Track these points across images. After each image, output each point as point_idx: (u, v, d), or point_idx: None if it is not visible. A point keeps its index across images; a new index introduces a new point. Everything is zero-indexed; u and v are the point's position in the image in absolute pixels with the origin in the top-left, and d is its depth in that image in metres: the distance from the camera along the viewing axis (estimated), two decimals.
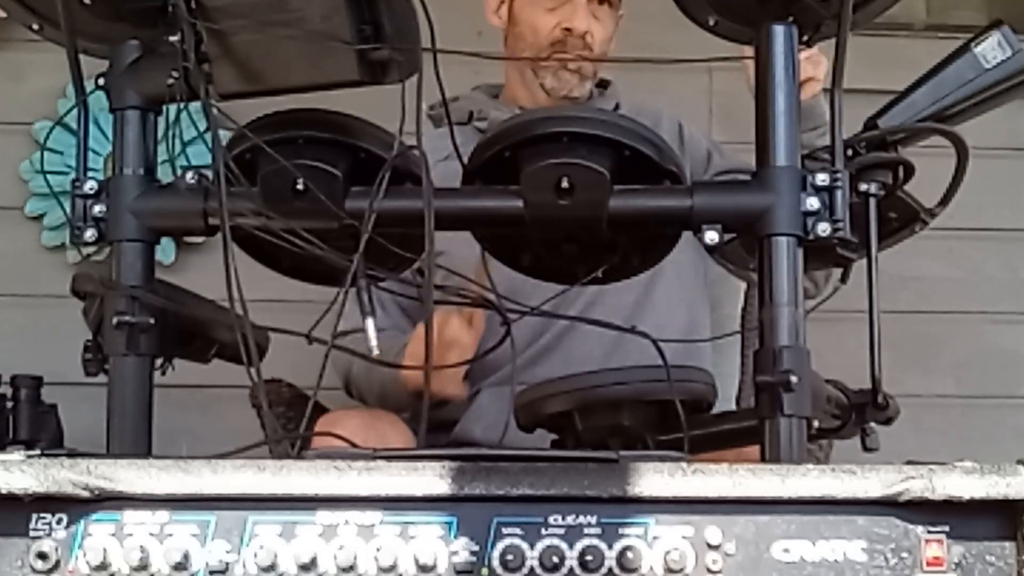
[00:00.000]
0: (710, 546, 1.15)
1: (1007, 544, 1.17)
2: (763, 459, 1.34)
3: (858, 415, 1.52)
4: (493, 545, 1.15)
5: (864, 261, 1.47)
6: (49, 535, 1.15)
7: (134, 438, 1.42)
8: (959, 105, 1.49)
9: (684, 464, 1.17)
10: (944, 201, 1.53)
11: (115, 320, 1.41)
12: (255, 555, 1.15)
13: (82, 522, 1.15)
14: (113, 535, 1.15)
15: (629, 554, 1.14)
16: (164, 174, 1.45)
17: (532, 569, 1.14)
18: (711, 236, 1.38)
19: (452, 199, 1.44)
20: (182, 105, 1.41)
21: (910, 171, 1.50)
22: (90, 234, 1.45)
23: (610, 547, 1.15)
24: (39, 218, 2.92)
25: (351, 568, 1.14)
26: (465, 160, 1.46)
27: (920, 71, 1.51)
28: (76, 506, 1.15)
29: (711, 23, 1.48)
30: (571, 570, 1.14)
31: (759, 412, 1.36)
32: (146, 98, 1.45)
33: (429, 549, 1.14)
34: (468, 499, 1.15)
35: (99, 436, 1.42)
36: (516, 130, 1.42)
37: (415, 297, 1.71)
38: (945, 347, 3.06)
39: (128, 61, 1.45)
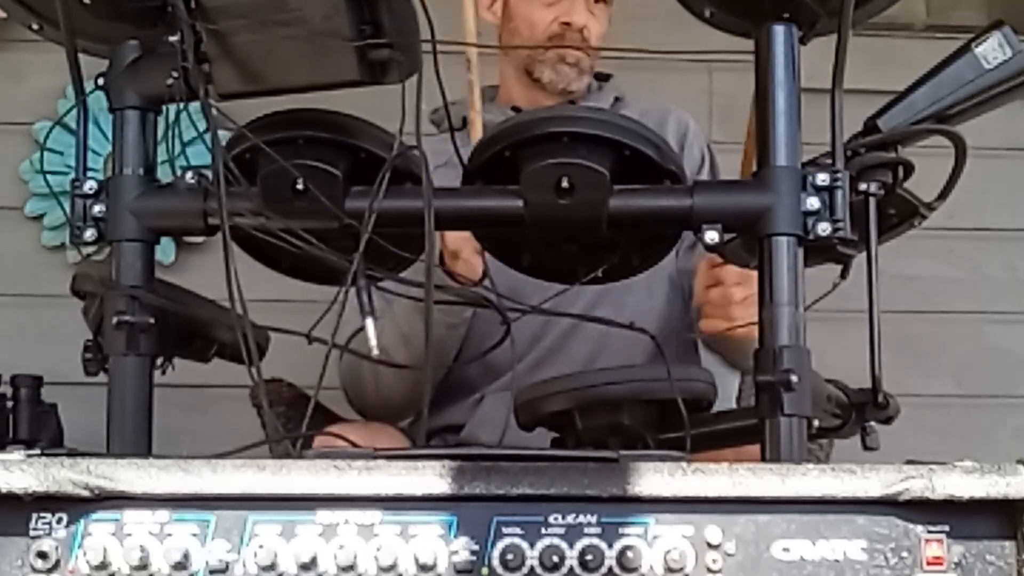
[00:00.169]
0: (710, 546, 1.15)
1: (1007, 544, 1.17)
2: (763, 459, 1.34)
3: (858, 415, 1.52)
4: (493, 544, 1.15)
5: (864, 261, 1.47)
6: (49, 535, 1.15)
7: (134, 438, 1.42)
8: (959, 106, 1.49)
9: (684, 464, 1.17)
10: (942, 195, 1.53)
11: (115, 320, 1.41)
12: (255, 555, 1.15)
13: (82, 522, 1.15)
14: (113, 535, 1.15)
15: (629, 553, 1.14)
16: (164, 174, 1.45)
17: (532, 569, 1.14)
18: (711, 236, 1.38)
19: (452, 199, 1.44)
20: (182, 105, 1.41)
21: (910, 170, 1.50)
22: (90, 234, 1.45)
23: (610, 546, 1.15)
24: (39, 218, 2.93)
25: (351, 568, 1.14)
26: (465, 163, 1.46)
27: (920, 71, 1.51)
28: (76, 506, 1.15)
29: (707, 15, 1.48)
30: (571, 569, 1.14)
31: (759, 411, 1.36)
32: (146, 98, 1.45)
33: (429, 549, 1.14)
34: (468, 499, 1.15)
35: (99, 436, 1.42)
36: (516, 130, 1.42)
37: (415, 297, 1.71)
38: (945, 347, 3.06)
39: (128, 61, 1.45)
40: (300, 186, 1.38)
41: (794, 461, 1.31)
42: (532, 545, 1.15)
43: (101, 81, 1.47)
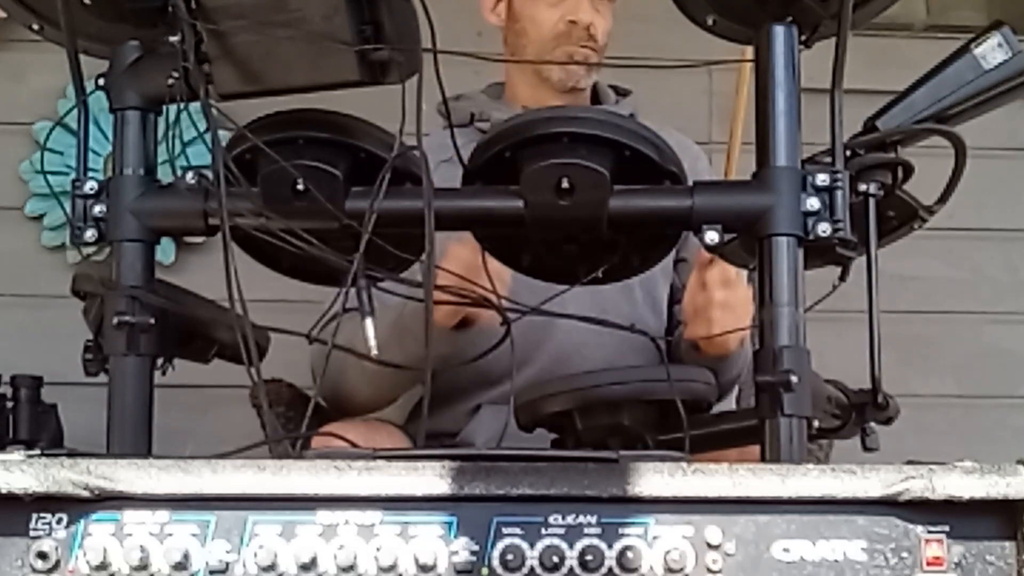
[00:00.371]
0: (710, 546, 1.15)
1: (1007, 544, 1.17)
2: (763, 459, 1.34)
3: (858, 415, 1.52)
4: (493, 545, 1.15)
5: (864, 261, 1.47)
6: (49, 535, 1.15)
7: (134, 438, 1.42)
8: (959, 106, 1.49)
9: (684, 464, 1.17)
10: (942, 199, 1.53)
11: (115, 320, 1.41)
12: (255, 555, 1.15)
13: (82, 522, 1.15)
14: (113, 535, 1.15)
15: (629, 554, 1.14)
16: (164, 174, 1.45)
17: (532, 569, 1.14)
18: (711, 236, 1.38)
19: (452, 199, 1.44)
20: (182, 105, 1.41)
21: (909, 171, 1.50)
22: (90, 234, 1.45)
23: (610, 547, 1.15)
24: (39, 218, 2.93)
25: (351, 568, 1.14)
26: (467, 161, 1.46)
27: (920, 71, 1.51)
28: (76, 506, 1.15)
29: (710, 23, 1.48)
30: (571, 570, 1.14)
31: (759, 412, 1.36)
32: (146, 98, 1.45)
33: (429, 549, 1.14)
34: (468, 499, 1.15)
35: (99, 436, 1.42)
36: (516, 130, 1.42)
37: (415, 298, 1.71)
38: (945, 347, 3.06)
39: (128, 61, 1.45)
40: (300, 186, 1.38)
41: (794, 461, 1.32)
42: (532, 545, 1.15)
43: (101, 81, 1.47)
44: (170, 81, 1.40)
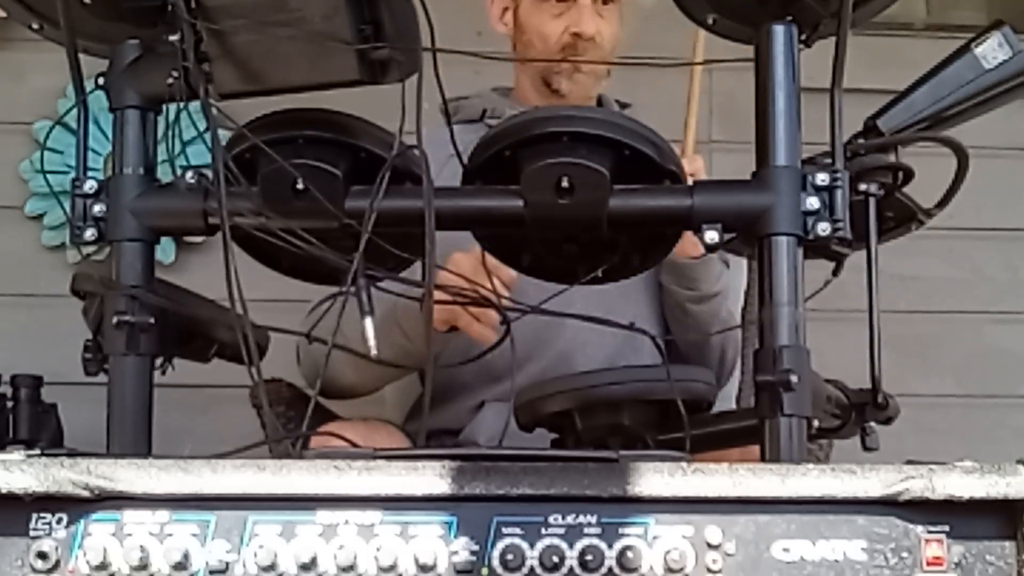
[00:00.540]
0: (710, 546, 1.15)
1: (1007, 544, 1.17)
2: (763, 459, 1.34)
3: (858, 415, 1.52)
4: (493, 545, 1.15)
5: (864, 261, 1.47)
6: (49, 535, 1.15)
7: (134, 438, 1.42)
8: (959, 106, 1.49)
9: (684, 464, 1.17)
10: (942, 203, 1.53)
11: (115, 320, 1.41)
12: (255, 555, 1.15)
13: (82, 522, 1.15)
14: (113, 535, 1.15)
15: (629, 554, 1.14)
16: (164, 174, 1.45)
17: (532, 569, 1.14)
18: (711, 236, 1.38)
19: (452, 199, 1.44)
20: (182, 105, 1.41)
21: (909, 176, 1.50)
22: (90, 234, 1.45)
23: (610, 547, 1.15)
24: (39, 218, 2.93)
25: (351, 568, 1.14)
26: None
27: (920, 71, 1.51)
28: (76, 506, 1.15)
29: (710, 22, 1.48)
30: (571, 570, 1.14)
31: (759, 412, 1.36)
32: (146, 98, 1.45)
33: (429, 549, 1.14)
34: (468, 499, 1.15)
35: (99, 436, 1.42)
36: (516, 130, 1.42)
37: (415, 297, 1.71)
38: (945, 347, 3.06)
39: (128, 61, 1.45)
40: (300, 186, 1.38)
41: (794, 461, 1.31)
42: (532, 545, 1.15)
43: (101, 81, 1.47)
44: (170, 80, 1.40)
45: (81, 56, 1.48)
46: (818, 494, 1.16)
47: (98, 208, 1.44)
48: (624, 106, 2.29)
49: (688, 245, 1.56)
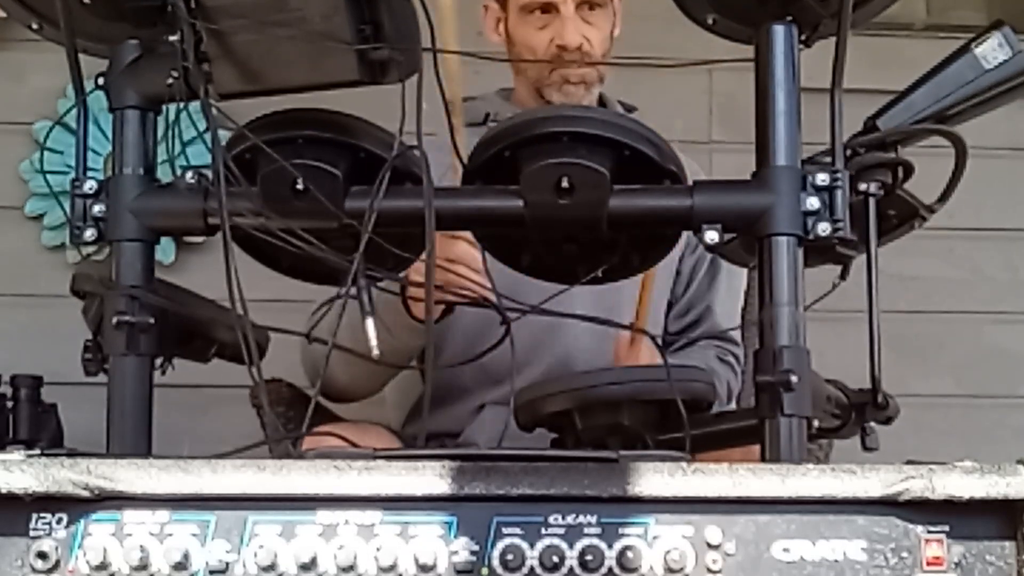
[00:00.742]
0: (710, 546, 1.15)
1: (1007, 544, 1.17)
2: (763, 459, 1.34)
3: (858, 415, 1.52)
4: (493, 545, 1.15)
5: (864, 261, 1.47)
6: (49, 535, 1.15)
7: (134, 438, 1.42)
8: (959, 106, 1.49)
9: (684, 464, 1.17)
10: (943, 198, 1.53)
11: (115, 320, 1.41)
12: (255, 555, 1.15)
13: (82, 522, 1.15)
14: (113, 535, 1.15)
15: (629, 554, 1.14)
16: (164, 174, 1.45)
17: (532, 569, 1.14)
18: (711, 236, 1.38)
19: (452, 199, 1.44)
20: (182, 105, 1.41)
21: (909, 171, 1.50)
22: (90, 234, 1.45)
23: (610, 547, 1.15)
24: (39, 218, 2.93)
25: (351, 568, 1.14)
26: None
27: (920, 71, 1.51)
28: (76, 506, 1.15)
29: (710, 22, 1.48)
30: (571, 570, 1.14)
31: (759, 412, 1.36)
32: (146, 98, 1.45)
33: (429, 549, 1.14)
34: (468, 499, 1.15)
35: (99, 436, 1.42)
36: (516, 130, 1.42)
37: (415, 297, 1.71)
38: (945, 347, 3.06)
39: (128, 61, 1.45)
40: (300, 186, 1.38)
41: (794, 461, 1.31)
42: (532, 545, 1.15)
43: (101, 81, 1.47)
44: (170, 80, 1.40)
45: (81, 56, 1.48)
46: (818, 494, 1.16)
47: (98, 208, 1.44)
48: (630, 109, 2.28)
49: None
